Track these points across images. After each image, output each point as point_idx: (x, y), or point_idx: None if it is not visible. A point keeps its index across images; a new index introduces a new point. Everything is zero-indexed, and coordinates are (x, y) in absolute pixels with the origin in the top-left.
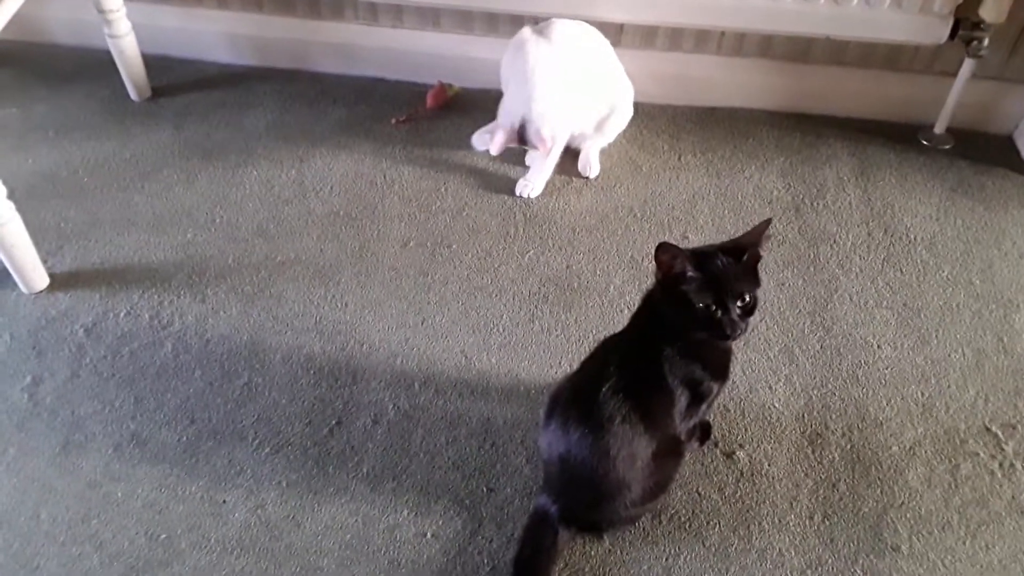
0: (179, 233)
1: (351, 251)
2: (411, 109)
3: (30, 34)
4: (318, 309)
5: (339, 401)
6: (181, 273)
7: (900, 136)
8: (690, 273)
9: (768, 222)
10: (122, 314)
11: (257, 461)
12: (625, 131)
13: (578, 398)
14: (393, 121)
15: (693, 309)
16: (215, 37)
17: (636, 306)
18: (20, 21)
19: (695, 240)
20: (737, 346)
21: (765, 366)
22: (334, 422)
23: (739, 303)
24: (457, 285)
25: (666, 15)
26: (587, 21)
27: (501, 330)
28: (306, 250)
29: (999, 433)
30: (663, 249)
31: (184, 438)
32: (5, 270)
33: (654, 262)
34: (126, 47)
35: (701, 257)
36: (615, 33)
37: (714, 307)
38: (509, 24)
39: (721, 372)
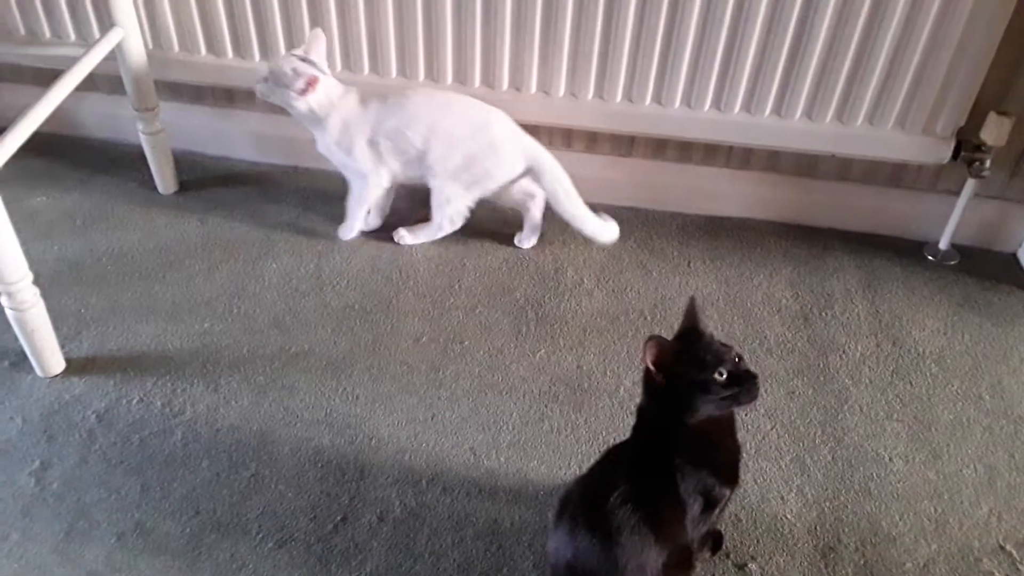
0: (196, 323)
1: (364, 345)
2: (425, 209)
3: (64, 127)
4: (329, 401)
5: (345, 496)
6: (196, 362)
7: (906, 250)
8: (684, 353)
9: (693, 299)
10: (135, 401)
11: (260, 556)
12: (635, 235)
13: (587, 505)
14: (414, 221)
15: (705, 382)
16: (243, 136)
17: (634, 421)
18: (56, 114)
19: None
20: (748, 453)
21: (777, 476)
22: (339, 518)
23: (739, 361)
24: (468, 382)
25: (678, 130)
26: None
27: (511, 429)
28: (320, 342)
29: (1013, 552)
30: (656, 341)
31: (188, 529)
32: (22, 352)
33: (646, 355)
34: (158, 143)
35: (683, 339)
36: (626, 145)
37: (721, 370)
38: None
39: (731, 477)
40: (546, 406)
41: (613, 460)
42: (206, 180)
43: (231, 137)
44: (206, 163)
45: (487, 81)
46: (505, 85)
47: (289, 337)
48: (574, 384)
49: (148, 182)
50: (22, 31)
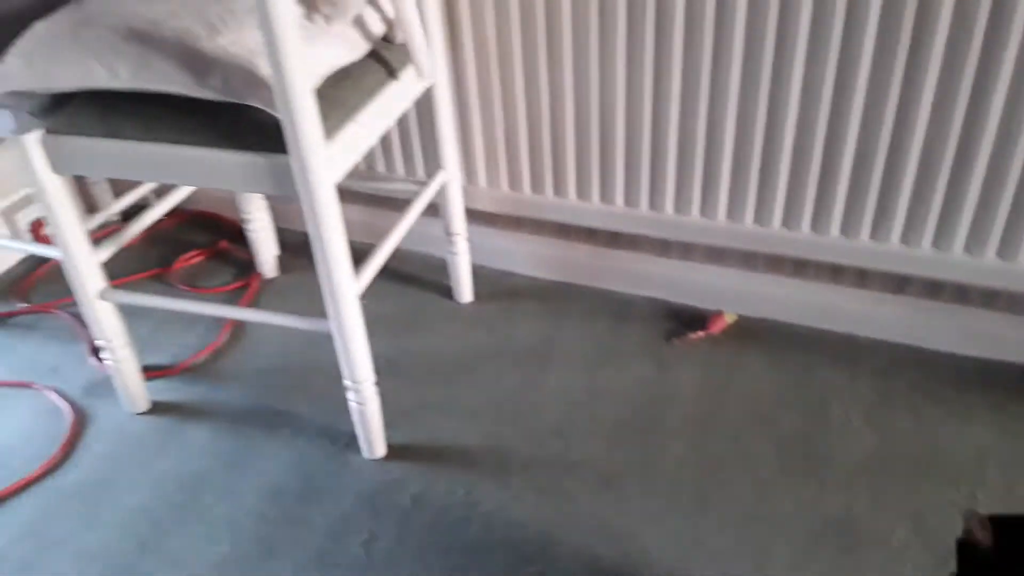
0: (488, 423)
1: (634, 460)
2: (693, 332)
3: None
4: (604, 512)
5: None
6: (489, 459)
7: None
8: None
9: None
10: (440, 489)
11: None
12: (907, 375)
13: None
14: (675, 341)
15: None
16: (528, 255)
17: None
18: (371, 230)
19: (983, 501)
20: None
21: None
22: None
23: None
24: (733, 511)
25: (956, 275)
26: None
27: (778, 566)
28: (594, 453)
29: None
30: (984, 520)
31: None
32: (354, 435)
33: (969, 528)
34: (460, 260)
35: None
36: (897, 283)
37: None
38: (792, 266)
39: None
40: (815, 547)
41: None
42: (496, 293)
43: (518, 255)
44: (496, 277)
45: (732, 215)
46: (777, 223)
47: (567, 445)
48: (844, 527)
49: (448, 292)
50: (362, 166)
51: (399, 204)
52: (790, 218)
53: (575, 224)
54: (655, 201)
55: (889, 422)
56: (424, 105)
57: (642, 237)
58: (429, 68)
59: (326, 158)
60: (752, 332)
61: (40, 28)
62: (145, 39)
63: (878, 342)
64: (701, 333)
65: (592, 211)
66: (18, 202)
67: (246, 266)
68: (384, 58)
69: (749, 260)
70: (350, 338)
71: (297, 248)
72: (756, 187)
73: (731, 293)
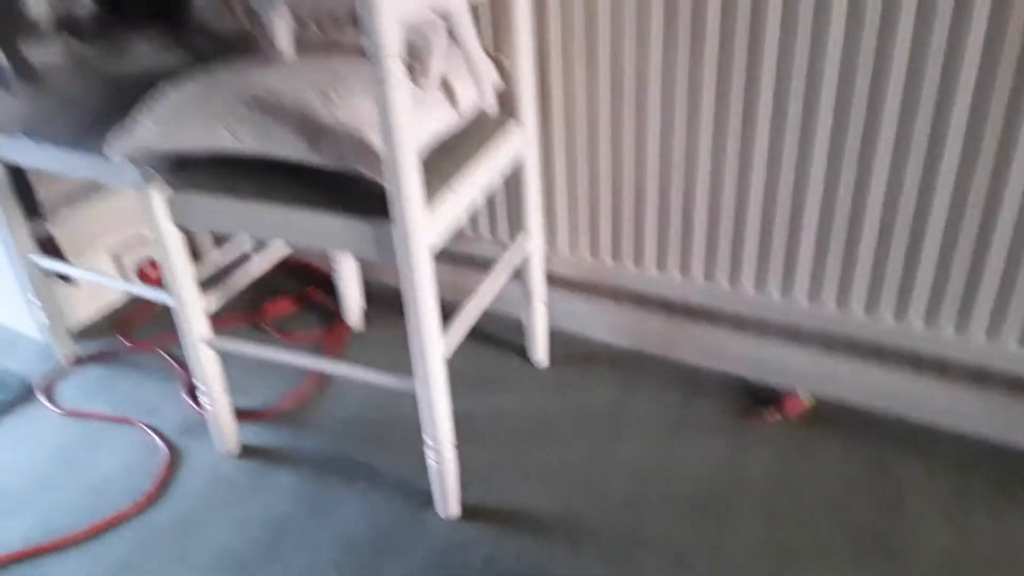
0: (561, 490)
1: (705, 540)
2: (767, 410)
3: (464, 297)
4: None
5: None
6: (560, 527)
7: None
8: None
9: None
10: (511, 553)
11: None
12: (984, 471)
13: None
14: (750, 418)
15: None
16: (604, 322)
17: None
18: (454, 287)
19: None
20: None
21: None
22: None
23: None
24: None
25: None
26: None
27: None
28: (665, 529)
29: None
30: None
31: None
32: (430, 493)
33: None
34: (537, 323)
35: None
36: (980, 377)
37: None
38: (872, 351)
39: None
40: None
41: None
42: (571, 357)
43: (594, 321)
44: (572, 341)
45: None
46: (859, 308)
47: (638, 518)
48: None
49: (524, 352)
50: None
51: (480, 263)
52: (872, 304)
53: (652, 294)
54: (734, 278)
55: (966, 519)
56: (511, 171)
57: (719, 312)
58: (520, 137)
59: (425, 226)
60: (828, 415)
61: (172, 93)
62: (266, 107)
63: (957, 434)
64: (776, 413)
65: (670, 283)
66: (126, 243)
67: (333, 315)
68: (479, 128)
69: (828, 342)
70: (434, 399)
71: (381, 299)
72: (838, 270)
73: (808, 374)
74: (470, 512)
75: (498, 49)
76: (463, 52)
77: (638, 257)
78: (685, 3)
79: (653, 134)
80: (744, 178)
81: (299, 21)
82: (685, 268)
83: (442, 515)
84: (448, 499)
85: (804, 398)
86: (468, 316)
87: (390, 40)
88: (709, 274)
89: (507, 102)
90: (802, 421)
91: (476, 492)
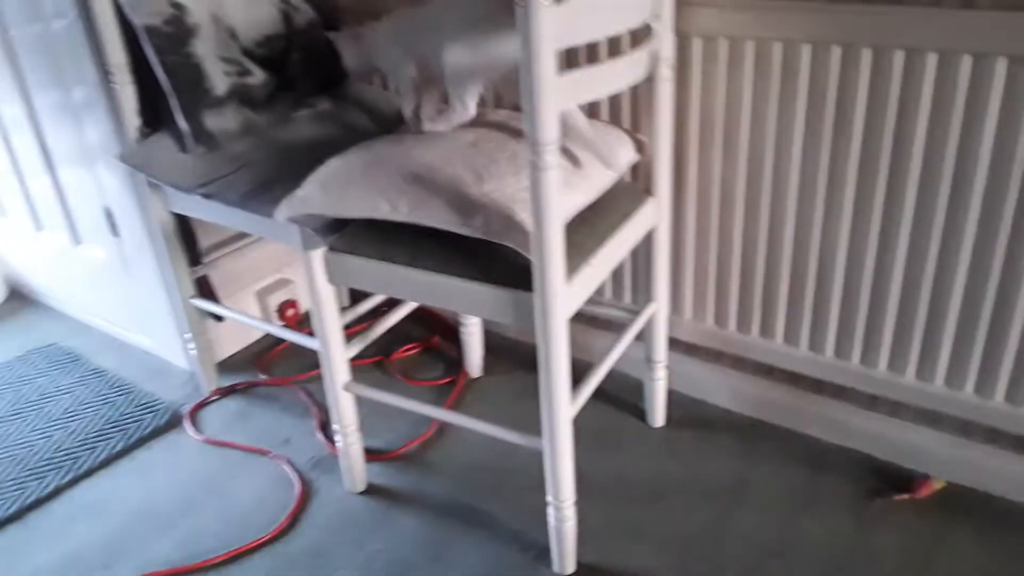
0: (677, 557)
1: None
2: (897, 493)
3: (583, 353)
4: None
5: None
6: None
7: None
8: None
9: None
10: None
11: None
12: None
13: None
14: (877, 500)
15: None
16: (725, 388)
17: None
18: (575, 346)
19: None
20: None
21: None
22: None
23: None
24: None
25: None
26: None
27: None
28: None
29: None
30: None
31: None
32: (546, 548)
33: None
34: (658, 386)
35: None
36: None
37: None
38: (1012, 439)
39: None
40: None
41: None
42: (689, 420)
43: (715, 386)
44: (691, 404)
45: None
46: (1000, 396)
47: None
48: None
49: (642, 414)
50: None
51: (602, 322)
52: (1016, 392)
53: (779, 365)
54: (868, 357)
55: None
56: (642, 239)
57: (849, 388)
58: (654, 210)
59: (563, 297)
60: (961, 502)
61: (336, 163)
62: (423, 181)
63: None
64: (906, 495)
65: (799, 357)
66: (271, 285)
67: (455, 363)
68: (615, 201)
69: (965, 427)
70: (559, 460)
71: (501, 349)
72: (980, 355)
73: (942, 458)
74: (585, 571)
75: (636, 127)
76: (574, 129)
77: (766, 329)
78: (830, 96)
79: (790, 213)
80: (884, 261)
81: (447, 100)
82: (816, 344)
83: (557, 571)
84: (565, 557)
85: (936, 482)
86: (595, 380)
87: (550, 133)
88: (841, 352)
89: (643, 176)
90: (933, 505)
91: (591, 551)
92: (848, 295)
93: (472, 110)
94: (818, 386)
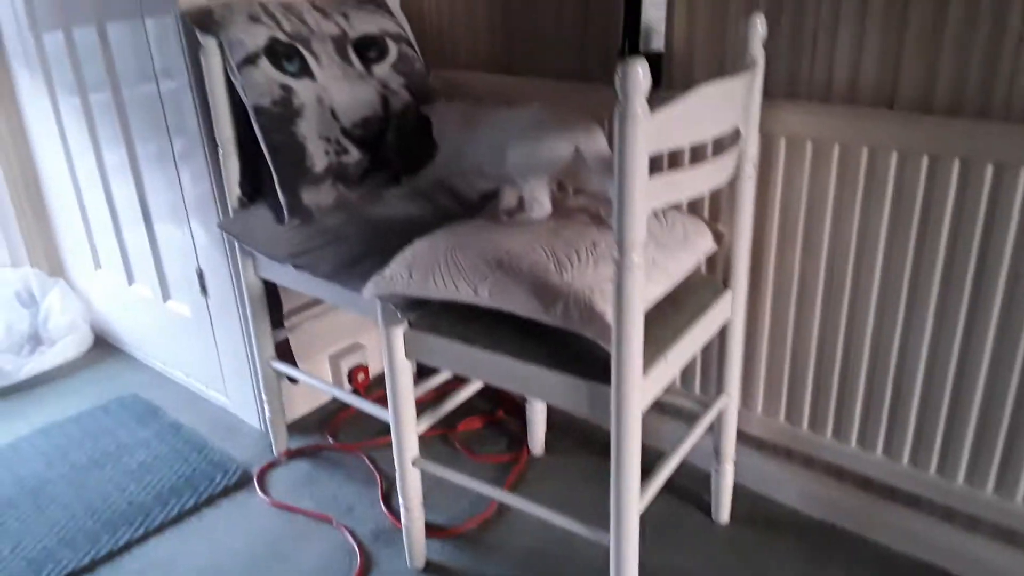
0: None
1: None
2: None
3: (651, 439)
4: None
5: None
6: None
7: None
8: None
9: None
10: None
11: None
12: None
13: None
14: None
15: None
16: (793, 487)
17: None
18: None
19: None
20: None
21: None
22: None
23: None
24: None
25: None
26: None
27: None
28: None
29: None
30: None
31: None
32: None
33: None
34: (724, 481)
35: None
36: None
37: None
38: None
39: None
40: None
41: None
42: (755, 518)
43: (783, 484)
44: (757, 501)
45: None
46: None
47: None
48: None
49: (706, 507)
50: None
51: (669, 408)
52: None
53: (850, 468)
54: (945, 467)
55: None
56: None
57: (925, 498)
58: (729, 303)
59: (639, 391)
60: None
61: (422, 244)
62: (504, 267)
63: None
64: None
65: (872, 461)
66: (344, 349)
67: (518, 439)
68: (692, 293)
69: None
70: (624, 555)
71: (563, 427)
72: None
73: None
74: None
75: (714, 217)
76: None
77: (839, 430)
78: (916, 204)
79: (869, 315)
80: (966, 371)
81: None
82: (891, 449)
83: None
84: None
85: None
86: (664, 474)
87: (639, 234)
88: (918, 460)
89: (720, 267)
90: None
91: None
92: (927, 403)
93: (547, 207)
94: (891, 493)
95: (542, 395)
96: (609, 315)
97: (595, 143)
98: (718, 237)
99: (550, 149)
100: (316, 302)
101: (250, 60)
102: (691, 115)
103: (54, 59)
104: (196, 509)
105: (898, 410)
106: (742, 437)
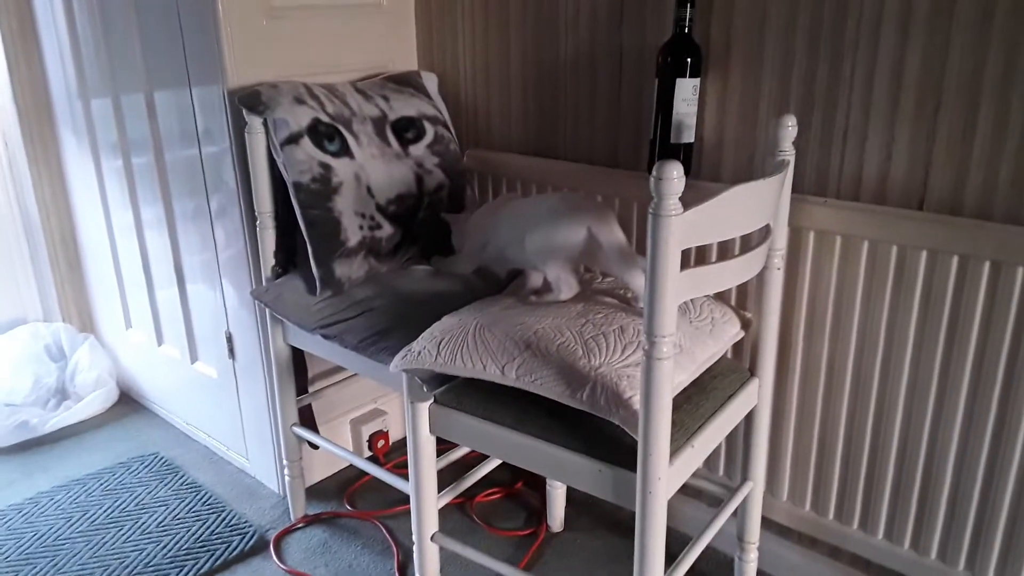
0: None
1: None
2: None
3: (673, 522)
4: None
5: None
6: None
7: None
8: None
9: None
10: None
11: None
12: None
13: None
14: None
15: None
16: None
17: None
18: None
19: None
20: None
21: None
22: None
23: None
24: None
25: None
26: None
27: None
28: None
29: None
30: None
31: None
32: None
33: None
34: (748, 568)
35: None
36: None
37: None
38: None
39: None
40: None
41: None
42: None
43: (807, 574)
44: None
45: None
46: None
47: None
48: None
49: None
50: None
51: (692, 490)
52: None
53: (877, 561)
54: (976, 564)
55: None
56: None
57: None
58: (756, 390)
59: (666, 479)
60: None
61: (450, 321)
62: (532, 349)
63: None
64: None
65: (899, 555)
66: (365, 415)
67: (536, 513)
68: (719, 380)
69: None
70: None
71: (584, 503)
72: None
73: None
74: None
75: (741, 304)
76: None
77: (865, 521)
78: (945, 302)
79: (898, 408)
80: (996, 468)
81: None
82: (919, 544)
83: None
84: None
85: None
86: (688, 561)
87: (669, 326)
88: (947, 556)
89: (747, 354)
90: None
91: None
92: (956, 498)
93: (575, 286)
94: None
95: (566, 478)
96: (637, 402)
97: (608, 230)
98: (746, 324)
99: (565, 236)
100: (340, 368)
101: (293, 139)
102: (723, 214)
103: (100, 122)
104: (212, 574)
105: (927, 504)
106: (767, 523)
